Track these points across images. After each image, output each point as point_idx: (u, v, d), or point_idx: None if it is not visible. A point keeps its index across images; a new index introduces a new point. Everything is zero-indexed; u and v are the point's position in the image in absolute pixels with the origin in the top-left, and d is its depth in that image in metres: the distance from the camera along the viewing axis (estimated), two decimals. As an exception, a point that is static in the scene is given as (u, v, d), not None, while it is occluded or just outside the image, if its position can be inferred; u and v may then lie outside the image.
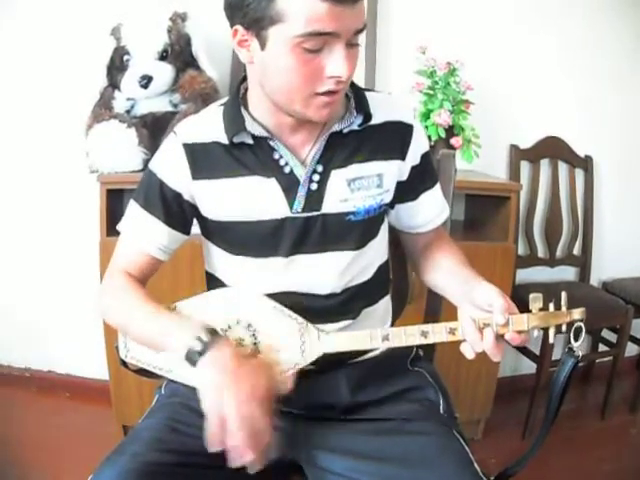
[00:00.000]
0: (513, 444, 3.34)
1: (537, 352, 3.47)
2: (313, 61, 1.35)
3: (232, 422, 1.28)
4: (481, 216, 3.44)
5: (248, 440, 1.28)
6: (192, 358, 1.37)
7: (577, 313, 1.43)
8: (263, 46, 1.37)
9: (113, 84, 2.97)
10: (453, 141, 3.11)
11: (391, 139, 1.63)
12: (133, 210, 1.64)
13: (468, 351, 1.41)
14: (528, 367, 3.57)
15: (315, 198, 1.57)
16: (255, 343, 1.54)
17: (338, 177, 1.57)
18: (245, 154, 1.56)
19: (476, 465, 1.48)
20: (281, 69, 1.38)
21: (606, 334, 3.88)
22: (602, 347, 3.93)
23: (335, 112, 1.52)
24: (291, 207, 1.56)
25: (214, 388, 1.32)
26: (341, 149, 1.58)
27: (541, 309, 1.42)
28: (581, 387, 4.09)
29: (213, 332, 1.40)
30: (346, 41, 1.35)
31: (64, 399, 3.65)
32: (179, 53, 2.94)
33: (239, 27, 1.40)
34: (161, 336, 1.47)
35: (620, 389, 3.77)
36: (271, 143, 1.55)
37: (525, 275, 3.76)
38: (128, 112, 2.94)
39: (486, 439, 3.40)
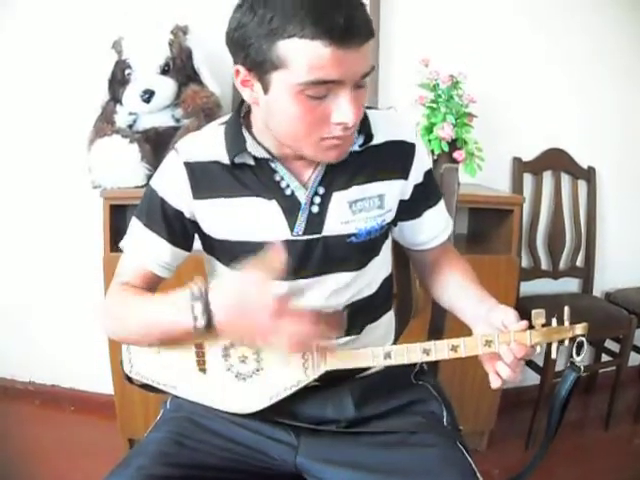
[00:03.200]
0: (517, 455, 3.33)
1: (540, 364, 3.47)
2: (318, 108, 1.34)
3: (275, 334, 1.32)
4: (484, 229, 3.45)
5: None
6: (202, 304, 1.36)
7: (579, 328, 1.43)
8: (266, 90, 1.36)
9: (115, 98, 2.97)
10: (456, 155, 3.11)
11: (393, 159, 1.63)
12: (135, 228, 1.64)
13: (494, 380, 1.44)
14: (532, 379, 3.56)
15: (316, 221, 1.56)
16: (258, 360, 1.54)
17: (339, 199, 1.56)
18: (246, 175, 1.55)
19: (479, 476, 1.49)
20: (285, 115, 1.37)
21: (609, 344, 3.87)
22: (605, 357, 3.91)
23: (345, 152, 1.50)
24: (292, 230, 1.55)
25: (235, 312, 1.35)
26: (342, 171, 1.57)
27: (544, 325, 1.42)
28: (584, 397, 4.08)
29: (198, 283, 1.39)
30: (352, 85, 1.34)
31: (69, 413, 3.65)
32: (181, 67, 2.94)
33: (240, 68, 1.38)
34: (162, 311, 1.45)
35: (624, 399, 3.77)
36: (272, 165, 1.55)
37: (529, 288, 3.75)
38: (130, 127, 2.94)
39: (490, 450, 3.40)
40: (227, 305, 1.35)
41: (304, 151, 1.44)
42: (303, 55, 1.26)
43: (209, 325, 1.36)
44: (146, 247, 1.62)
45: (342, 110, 1.34)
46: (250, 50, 1.31)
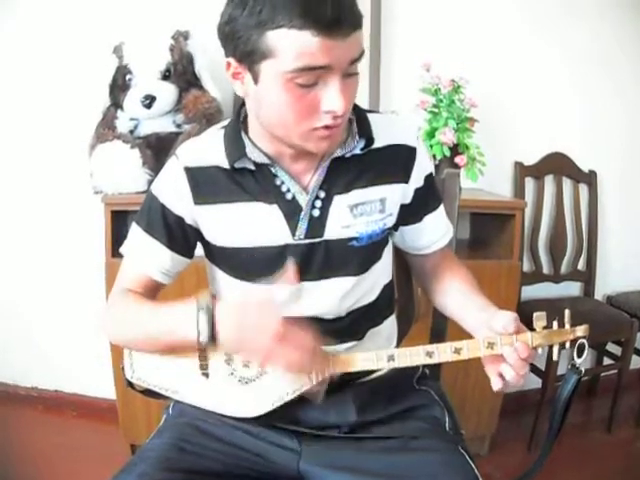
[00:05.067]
0: (519, 459, 3.33)
1: (542, 367, 3.47)
2: (307, 96, 1.33)
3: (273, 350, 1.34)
4: (486, 234, 3.44)
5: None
6: (207, 317, 1.39)
7: (580, 330, 1.43)
8: (256, 80, 1.36)
9: (116, 103, 2.98)
10: (458, 159, 3.10)
11: (394, 163, 1.62)
12: (135, 233, 1.64)
13: (495, 382, 1.44)
14: (533, 382, 3.56)
15: (317, 224, 1.56)
16: (261, 365, 1.54)
17: (340, 203, 1.56)
18: (247, 180, 1.55)
19: (482, 481, 1.49)
20: (275, 105, 1.36)
21: (611, 347, 3.87)
22: (607, 360, 3.92)
23: (335, 143, 1.50)
24: (293, 234, 1.55)
25: (239, 331, 1.38)
26: (343, 174, 1.57)
27: (545, 327, 1.42)
28: (587, 401, 4.09)
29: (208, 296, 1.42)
30: (341, 72, 1.33)
31: (71, 418, 3.64)
32: (182, 72, 2.94)
33: (231, 60, 1.39)
34: (167, 322, 1.49)
35: (626, 402, 3.77)
36: (272, 169, 1.54)
37: (530, 292, 3.75)
38: (131, 132, 2.93)
39: (492, 454, 3.39)
40: (232, 322, 1.38)
41: (294, 141, 1.43)
42: (291, 44, 1.26)
43: (212, 339, 1.39)
44: (146, 253, 1.62)
45: (331, 98, 1.34)
46: (239, 42, 1.32)
